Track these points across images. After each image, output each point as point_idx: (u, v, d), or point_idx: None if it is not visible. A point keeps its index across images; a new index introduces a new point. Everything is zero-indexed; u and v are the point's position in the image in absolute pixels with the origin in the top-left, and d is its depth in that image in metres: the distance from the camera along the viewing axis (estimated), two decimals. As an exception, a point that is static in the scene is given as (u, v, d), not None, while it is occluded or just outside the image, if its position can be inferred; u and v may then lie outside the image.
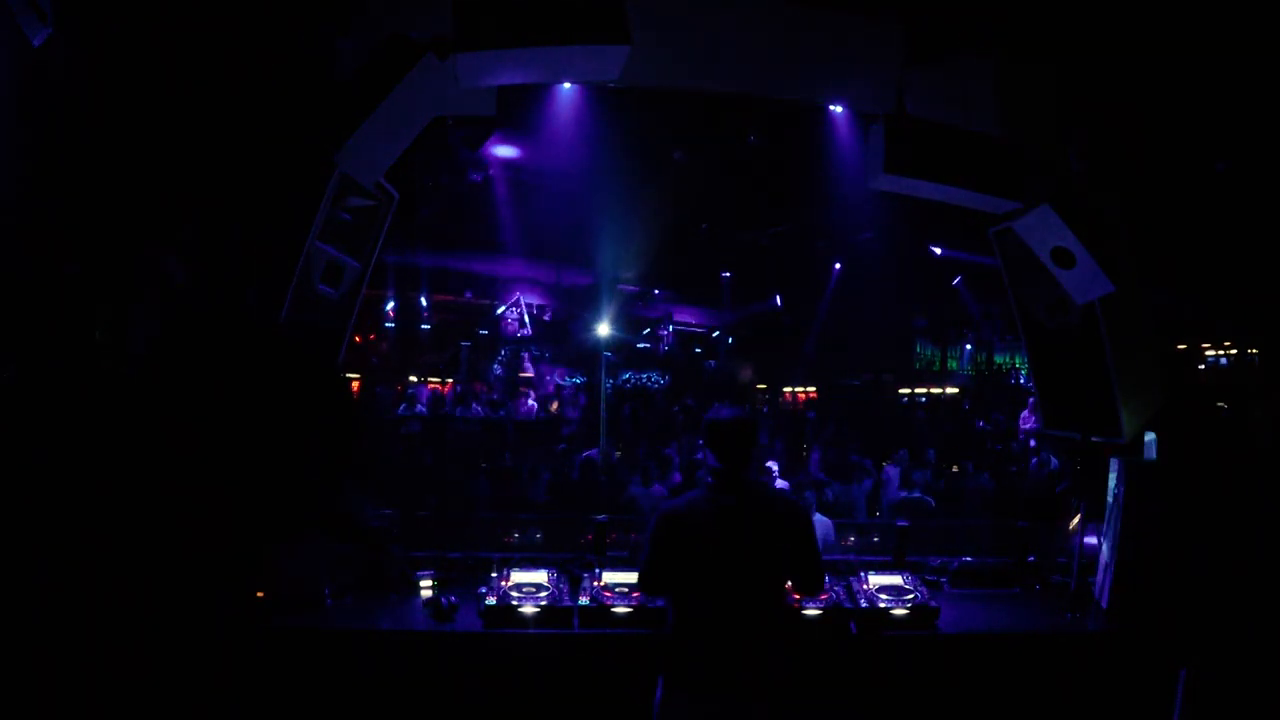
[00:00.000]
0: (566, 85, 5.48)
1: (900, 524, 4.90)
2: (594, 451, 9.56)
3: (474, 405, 13.14)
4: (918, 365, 19.96)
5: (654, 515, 3.26)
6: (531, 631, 3.84)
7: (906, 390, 18.40)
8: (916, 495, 7.87)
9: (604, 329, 15.62)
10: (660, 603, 3.78)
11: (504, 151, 9.98)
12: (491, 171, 10.58)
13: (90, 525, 0.86)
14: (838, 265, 16.21)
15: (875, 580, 4.20)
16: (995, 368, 19.47)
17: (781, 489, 6.62)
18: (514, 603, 3.87)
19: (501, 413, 13.29)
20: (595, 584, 4.04)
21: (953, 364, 20.77)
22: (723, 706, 3.04)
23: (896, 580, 4.22)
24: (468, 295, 16.90)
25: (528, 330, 16.63)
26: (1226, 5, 4.27)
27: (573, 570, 4.28)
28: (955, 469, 10.50)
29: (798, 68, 4.30)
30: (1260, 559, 4.04)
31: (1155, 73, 4.37)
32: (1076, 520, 4.84)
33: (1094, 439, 4.58)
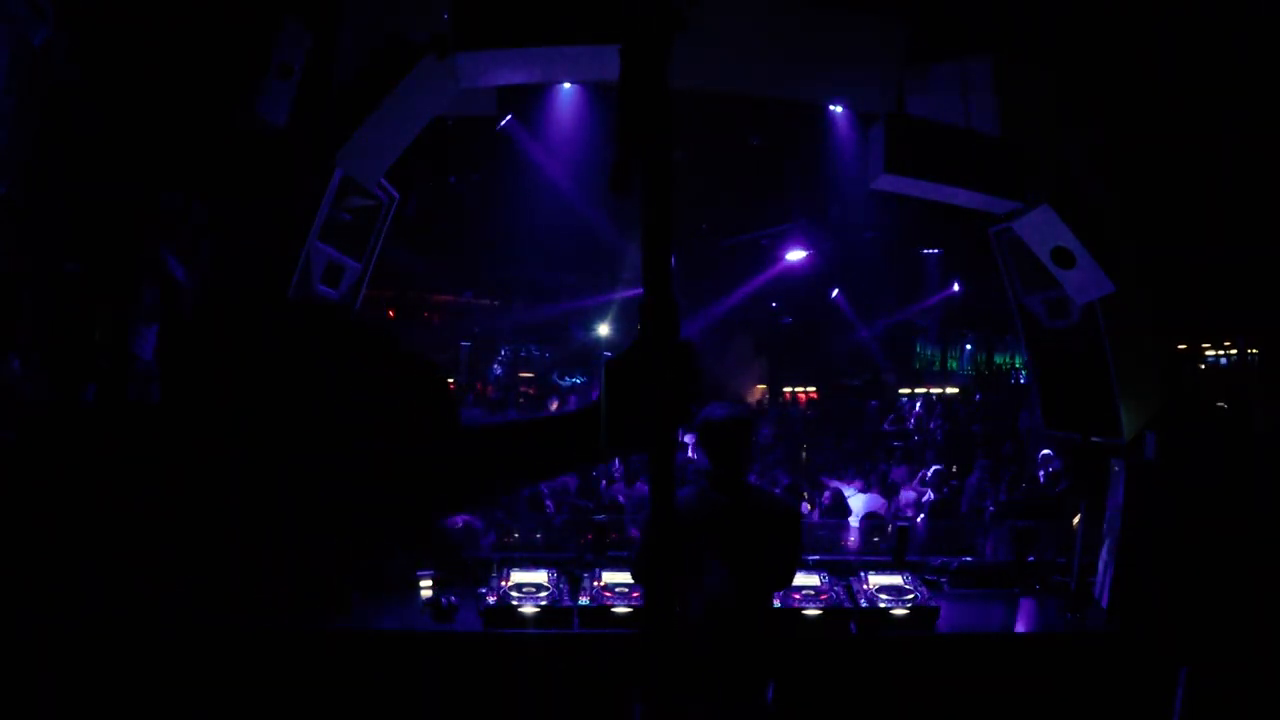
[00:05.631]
0: (566, 85, 5.49)
1: (900, 524, 4.90)
2: None
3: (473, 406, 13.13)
4: (918, 365, 19.94)
5: (648, 507, 3.25)
6: (531, 631, 3.84)
7: (906, 390, 18.39)
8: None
9: (604, 329, 15.62)
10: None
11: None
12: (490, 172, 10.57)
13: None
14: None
15: (875, 580, 4.20)
16: (995, 367, 19.48)
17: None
18: (514, 603, 3.87)
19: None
20: (595, 584, 4.04)
21: (953, 364, 20.77)
22: (709, 706, 3.02)
23: (896, 580, 4.22)
24: (467, 295, 16.88)
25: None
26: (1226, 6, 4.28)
27: (573, 570, 4.28)
28: (954, 469, 10.46)
29: (798, 67, 4.30)
30: (1260, 559, 4.03)
31: (1155, 72, 4.37)
32: (1076, 520, 4.85)
33: (1094, 439, 4.58)
